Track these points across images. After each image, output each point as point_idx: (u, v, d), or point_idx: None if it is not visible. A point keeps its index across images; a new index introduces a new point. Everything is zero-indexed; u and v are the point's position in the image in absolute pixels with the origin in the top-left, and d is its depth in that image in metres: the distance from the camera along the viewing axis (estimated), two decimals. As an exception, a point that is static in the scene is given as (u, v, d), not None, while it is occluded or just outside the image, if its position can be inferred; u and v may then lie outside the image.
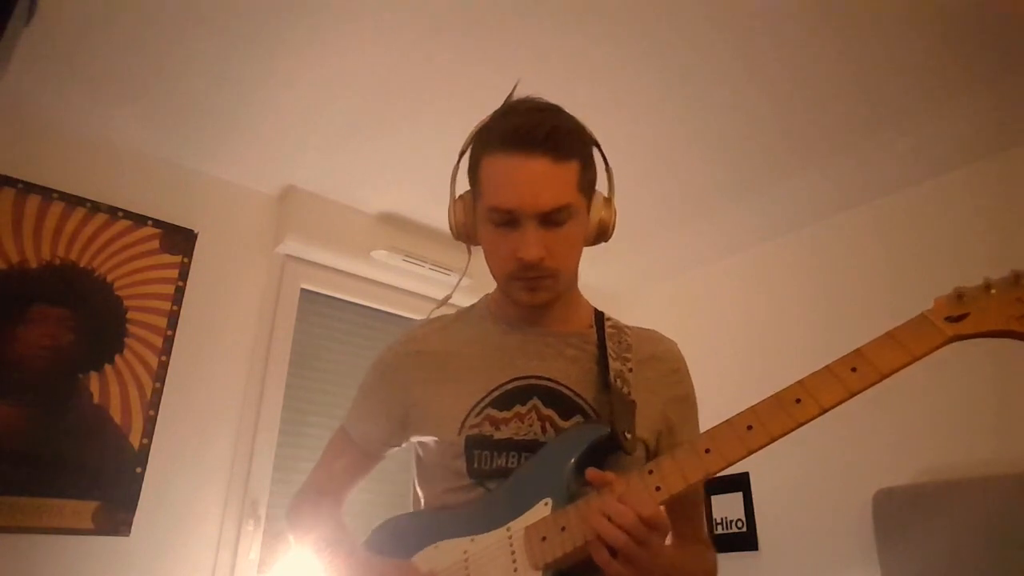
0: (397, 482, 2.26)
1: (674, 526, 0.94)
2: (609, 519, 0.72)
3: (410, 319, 2.78)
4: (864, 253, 2.44)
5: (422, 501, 0.98)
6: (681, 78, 1.88)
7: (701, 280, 3.00)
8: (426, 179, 2.41)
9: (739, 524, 2.45)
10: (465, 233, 0.98)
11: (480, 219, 0.93)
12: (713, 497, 2.52)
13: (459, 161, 0.98)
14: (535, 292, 0.90)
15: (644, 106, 1.97)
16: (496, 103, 0.95)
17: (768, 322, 2.64)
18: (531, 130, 0.85)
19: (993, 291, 0.74)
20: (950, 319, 0.73)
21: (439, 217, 2.65)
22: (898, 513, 1.96)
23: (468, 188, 0.98)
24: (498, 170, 0.88)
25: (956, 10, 1.63)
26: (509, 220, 0.87)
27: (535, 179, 0.85)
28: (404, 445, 1.02)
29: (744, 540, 2.42)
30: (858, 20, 1.67)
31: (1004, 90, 1.90)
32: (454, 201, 0.98)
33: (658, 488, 0.76)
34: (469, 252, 1.03)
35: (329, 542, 0.96)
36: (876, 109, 1.99)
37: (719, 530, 2.52)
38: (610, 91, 1.91)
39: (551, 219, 0.86)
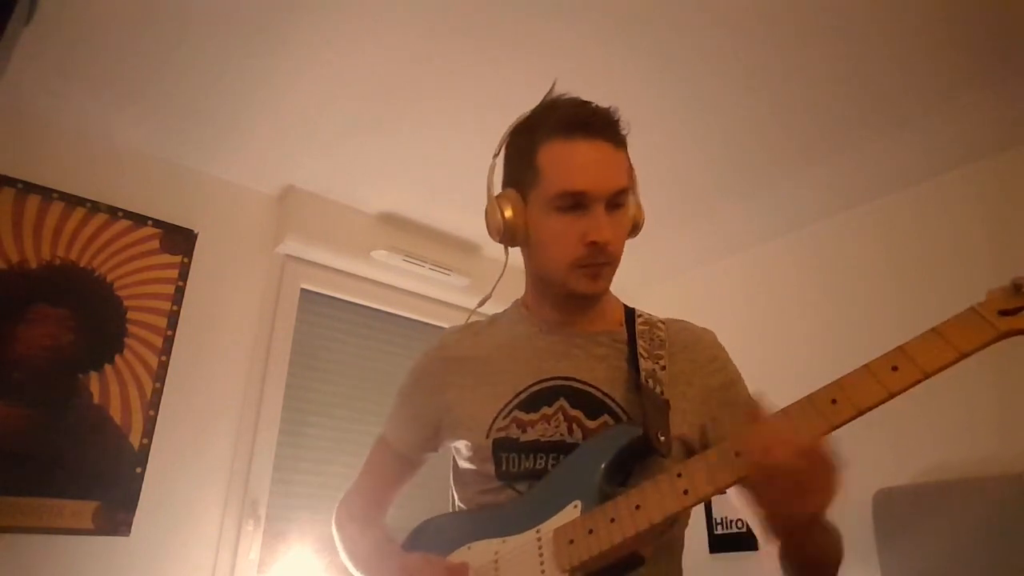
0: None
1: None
2: (765, 448, 0.68)
3: (410, 319, 2.78)
4: (865, 252, 2.44)
5: (458, 503, 0.99)
6: (682, 78, 1.88)
7: (702, 280, 3.00)
8: (426, 179, 2.40)
9: (739, 524, 2.45)
10: (512, 231, 0.94)
11: (540, 208, 0.91)
12: (713, 497, 2.51)
13: (495, 160, 0.98)
14: (597, 280, 0.91)
15: (645, 106, 1.97)
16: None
17: (769, 322, 2.64)
18: (590, 116, 0.90)
19: None
20: (1004, 312, 0.66)
21: (439, 217, 2.65)
22: (898, 513, 1.96)
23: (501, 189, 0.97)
24: (563, 155, 0.89)
25: (956, 10, 1.63)
26: (576, 204, 0.87)
27: (601, 161, 0.88)
28: (440, 450, 1.03)
29: (744, 540, 2.41)
30: (858, 21, 1.67)
31: (1004, 90, 1.89)
32: (495, 200, 0.95)
33: (686, 492, 0.75)
34: (507, 252, 1.00)
35: (378, 541, 0.99)
36: (876, 109, 1.98)
37: (719, 530, 2.51)
38: (610, 92, 1.89)
39: (616, 201, 0.89)
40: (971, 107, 1.96)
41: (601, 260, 0.89)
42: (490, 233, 0.97)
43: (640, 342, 0.94)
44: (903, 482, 2.02)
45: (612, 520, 0.77)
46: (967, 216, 2.18)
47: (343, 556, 1.03)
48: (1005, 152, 2.14)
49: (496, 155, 0.98)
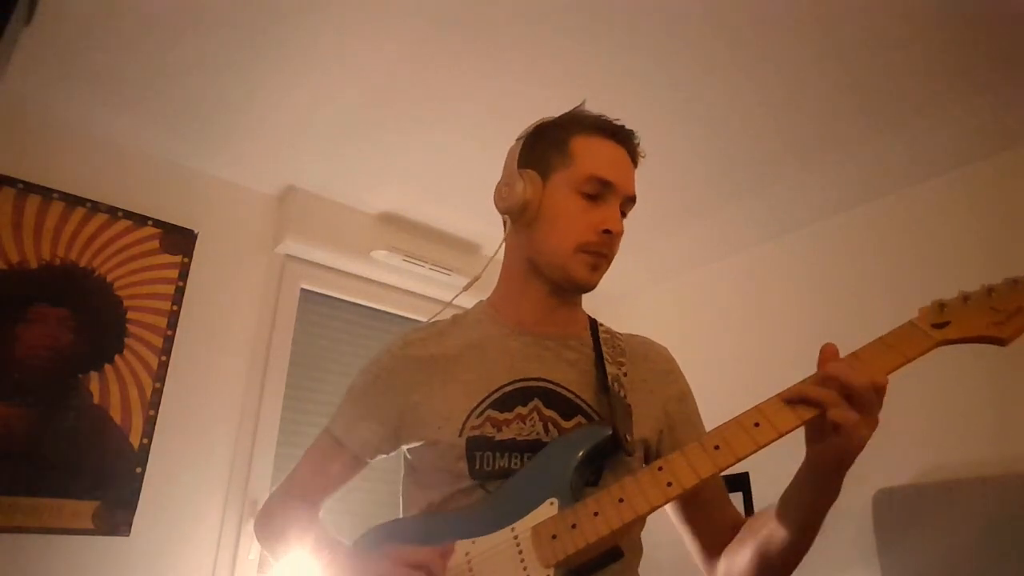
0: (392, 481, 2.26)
1: (709, 524, 0.94)
2: (844, 380, 0.72)
3: (410, 319, 2.78)
4: (860, 254, 2.44)
5: (415, 508, 0.94)
6: (677, 81, 1.88)
7: (700, 282, 3.00)
8: (426, 179, 2.40)
9: (739, 524, 2.45)
10: (526, 205, 0.95)
11: (563, 189, 0.95)
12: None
13: (521, 145, 1.01)
14: (596, 271, 0.95)
15: (641, 110, 1.97)
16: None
17: (766, 323, 2.64)
18: (620, 128, 0.99)
19: (969, 302, 0.80)
20: (935, 326, 0.80)
21: (439, 217, 2.65)
22: (898, 513, 1.96)
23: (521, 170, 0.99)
24: (598, 147, 0.96)
25: (951, 14, 1.63)
26: (600, 193, 0.94)
27: (627, 165, 0.98)
28: (393, 453, 1.00)
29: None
30: (853, 25, 1.67)
31: (999, 93, 1.89)
32: (517, 172, 0.97)
33: (670, 484, 0.76)
34: (505, 227, 1.04)
35: (327, 542, 0.94)
36: (872, 112, 1.98)
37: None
38: (606, 95, 1.90)
39: (625, 207, 0.97)
40: (964, 111, 1.96)
41: (605, 251, 0.94)
42: (500, 205, 0.99)
43: (604, 348, 0.97)
44: (903, 482, 2.02)
45: (596, 514, 0.77)
46: (960, 219, 2.19)
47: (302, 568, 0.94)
48: (998, 156, 2.14)
49: (521, 138, 1.02)
